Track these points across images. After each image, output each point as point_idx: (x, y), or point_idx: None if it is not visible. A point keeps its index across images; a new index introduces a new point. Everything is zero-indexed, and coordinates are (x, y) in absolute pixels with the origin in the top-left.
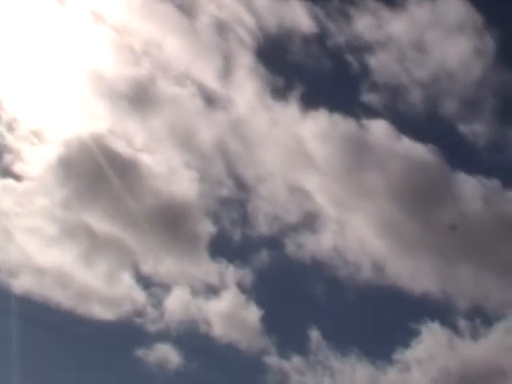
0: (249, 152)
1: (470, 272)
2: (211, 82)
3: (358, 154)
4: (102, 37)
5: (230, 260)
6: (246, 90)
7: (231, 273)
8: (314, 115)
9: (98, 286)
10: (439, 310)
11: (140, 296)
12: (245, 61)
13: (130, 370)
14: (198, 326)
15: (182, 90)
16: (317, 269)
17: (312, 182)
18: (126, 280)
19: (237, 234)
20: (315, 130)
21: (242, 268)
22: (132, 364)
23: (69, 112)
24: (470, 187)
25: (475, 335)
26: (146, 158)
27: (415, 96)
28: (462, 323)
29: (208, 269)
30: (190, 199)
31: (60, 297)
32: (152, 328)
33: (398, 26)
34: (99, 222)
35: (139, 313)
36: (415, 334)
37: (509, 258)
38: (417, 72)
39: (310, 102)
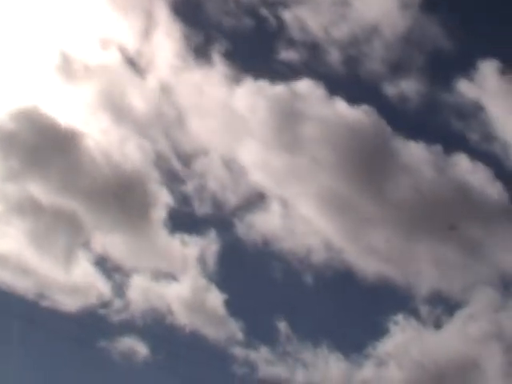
0: (183, 122)
1: (426, 247)
2: (134, 44)
3: (292, 119)
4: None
5: (190, 234)
6: (169, 53)
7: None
8: (239, 79)
9: (55, 273)
10: (400, 297)
11: (99, 281)
12: (163, 19)
13: (95, 362)
14: (161, 314)
15: (106, 55)
16: (269, 251)
17: (252, 157)
18: (83, 262)
19: (187, 211)
20: (244, 97)
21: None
22: (97, 356)
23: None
24: (415, 154)
25: (439, 323)
26: (82, 129)
27: (338, 54)
28: (425, 310)
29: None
30: (131, 169)
31: (20, 285)
32: (116, 317)
33: None
34: (45, 197)
35: (102, 301)
36: (381, 327)
37: (465, 228)
38: (338, 28)
39: (233, 64)
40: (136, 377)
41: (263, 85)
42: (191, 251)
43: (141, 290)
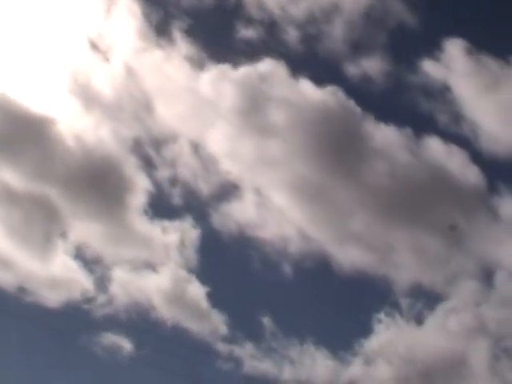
0: (151, 107)
1: (403, 234)
2: (96, 27)
3: (259, 102)
4: None
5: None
6: (131, 32)
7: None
8: (202, 60)
9: (34, 265)
10: (381, 290)
11: (80, 274)
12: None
13: (79, 357)
14: (144, 308)
15: (71, 40)
16: (246, 242)
17: (222, 143)
18: (62, 253)
19: (163, 198)
20: (208, 80)
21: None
22: (80, 351)
23: None
24: (386, 137)
25: (421, 318)
26: (53, 115)
27: (298, 33)
28: (406, 303)
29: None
30: (105, 155)
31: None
32: (98, 312)
33: None
34: (20, 186)
35: (86, 297)
36: (365, 323)
37: (443, 215)
38: (297, 6)
39: (194, 42)
40: (120, 372)
41: (226, 67)
42: (170, 239)
43: (122, 283)
